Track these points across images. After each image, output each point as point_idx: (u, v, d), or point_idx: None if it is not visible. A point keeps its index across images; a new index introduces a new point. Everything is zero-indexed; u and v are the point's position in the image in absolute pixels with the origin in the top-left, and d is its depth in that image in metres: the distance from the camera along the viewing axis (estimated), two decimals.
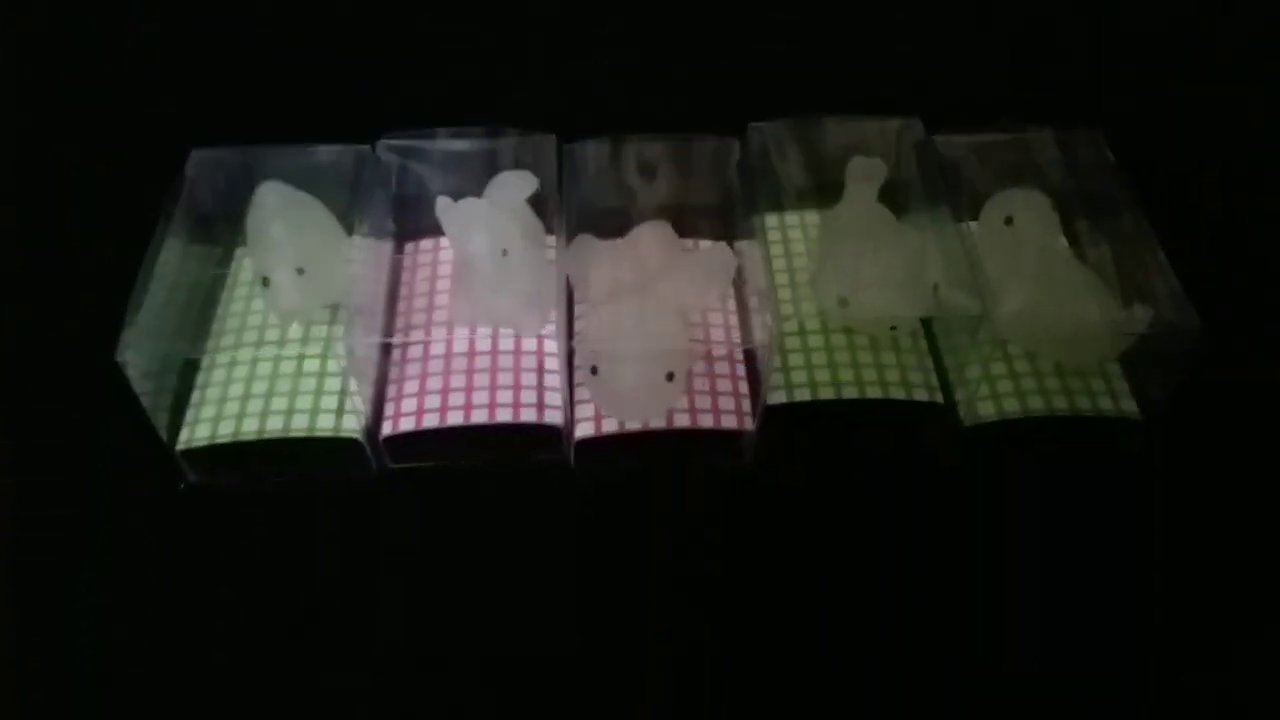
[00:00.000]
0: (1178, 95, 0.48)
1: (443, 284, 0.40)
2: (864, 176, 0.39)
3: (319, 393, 0.36)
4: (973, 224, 0.39)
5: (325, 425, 0.35)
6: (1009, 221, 0.38)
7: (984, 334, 0.34)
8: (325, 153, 0.39)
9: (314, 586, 0.33)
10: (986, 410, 0.36)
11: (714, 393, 0.36)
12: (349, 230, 0.38)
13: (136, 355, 0.33)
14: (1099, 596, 0.32)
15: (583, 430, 0.35)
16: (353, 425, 0.35)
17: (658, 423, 0.35)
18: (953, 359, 0.37)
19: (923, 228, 0.37)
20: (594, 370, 0.34)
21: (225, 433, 0.35)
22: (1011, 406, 0.36)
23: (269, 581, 0.33)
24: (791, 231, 0.41)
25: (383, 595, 0.33)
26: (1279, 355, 0.38)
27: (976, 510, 0.34)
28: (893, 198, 0.39)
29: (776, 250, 0.41)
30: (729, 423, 0.35)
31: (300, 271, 0.36)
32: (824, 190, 0.40)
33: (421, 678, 0.31)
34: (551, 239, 0.38)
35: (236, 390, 0.37)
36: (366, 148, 0.39)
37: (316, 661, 0.31)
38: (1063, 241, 0.39)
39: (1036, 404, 0.36)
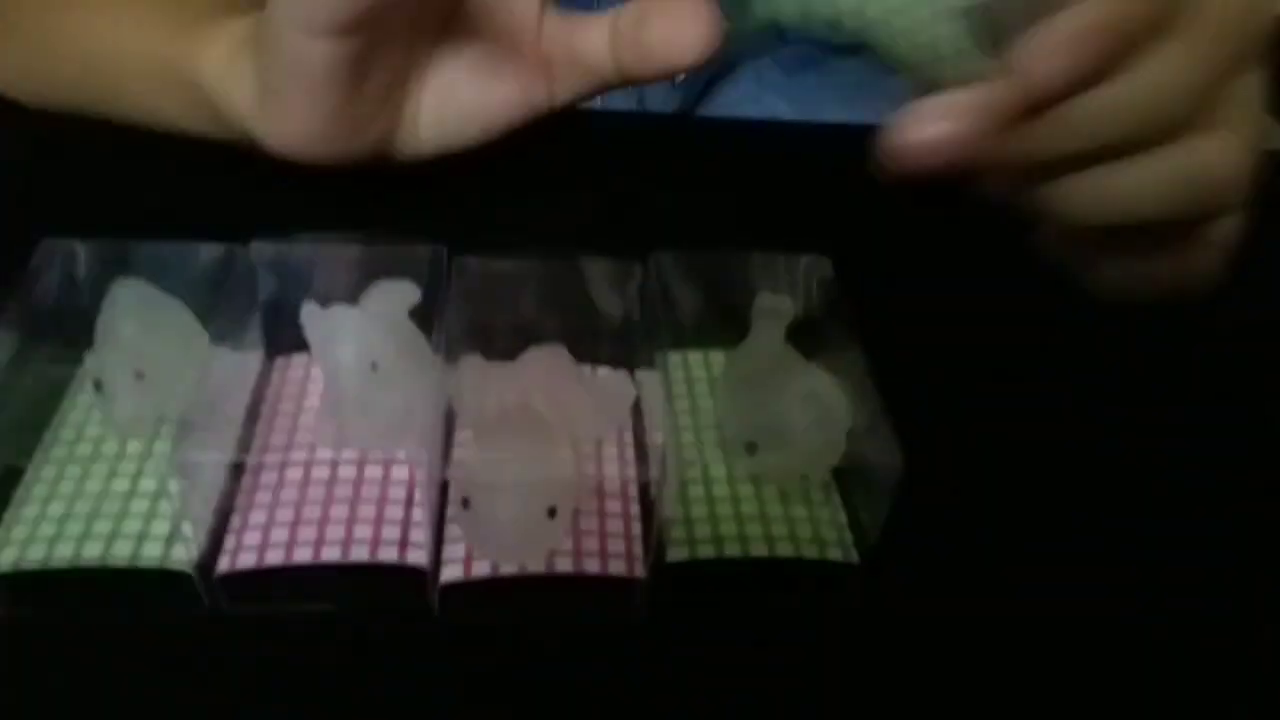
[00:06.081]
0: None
1: (312, 402, 0.36)
2: (770, 314, 0.36)
3: (151, 517, 0.32)
4: None
5: (151, 555, 0.31)
6: None
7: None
8: (193, 251, 0.36)
9: None
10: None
11: (603, 534, 0.32)
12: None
13: None
14: None
15: (450, 573, 0.31)
16: (182, 557, 0.30)
17: (536, 566, 0.31)
18: (866, 513, 0.33)
19: (834, 370, 0.35)
20: (465, 503, 0.30)
21: (34, 558, 0.31)
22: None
23: None
24: (695, 369, 0.38)
25: None
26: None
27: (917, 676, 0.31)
28: (800, 338, 0.37)
29: (679, 390, 0.38)
30: (618, 569, 0.31)
31: (140, 376, 0.32)
32: (729, 327, 0.37)
33: None
34: (436, 359, 0.35)
35: (56, 510, 0.32)
36: (239, 247, 0.36)
37: None
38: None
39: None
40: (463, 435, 0.35)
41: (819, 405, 0.34)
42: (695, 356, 0.39)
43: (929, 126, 0.29)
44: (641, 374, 0.37)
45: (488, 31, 0.40)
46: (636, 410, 0.37)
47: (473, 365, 0.36)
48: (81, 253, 0.36)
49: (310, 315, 0.33)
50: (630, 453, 0.36)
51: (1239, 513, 0.37)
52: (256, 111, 0.39)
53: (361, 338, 0.32)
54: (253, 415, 0.35)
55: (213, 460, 0.31)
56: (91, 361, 0.33)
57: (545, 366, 0.36)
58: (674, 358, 0.39)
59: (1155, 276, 0.35)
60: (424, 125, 0.41)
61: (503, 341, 0.37)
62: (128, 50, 0.44)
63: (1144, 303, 0.35)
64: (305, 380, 0.37)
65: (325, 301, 0.34)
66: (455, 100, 0.41)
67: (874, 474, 0.31)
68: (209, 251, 0.36)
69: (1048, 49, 0.28)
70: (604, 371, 0.38)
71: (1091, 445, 0.38)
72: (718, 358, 0.39)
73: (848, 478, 0.34)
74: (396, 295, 0.34)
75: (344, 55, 0.36)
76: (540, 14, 0.39)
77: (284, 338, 0.37)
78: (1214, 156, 0.31)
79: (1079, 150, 0.31)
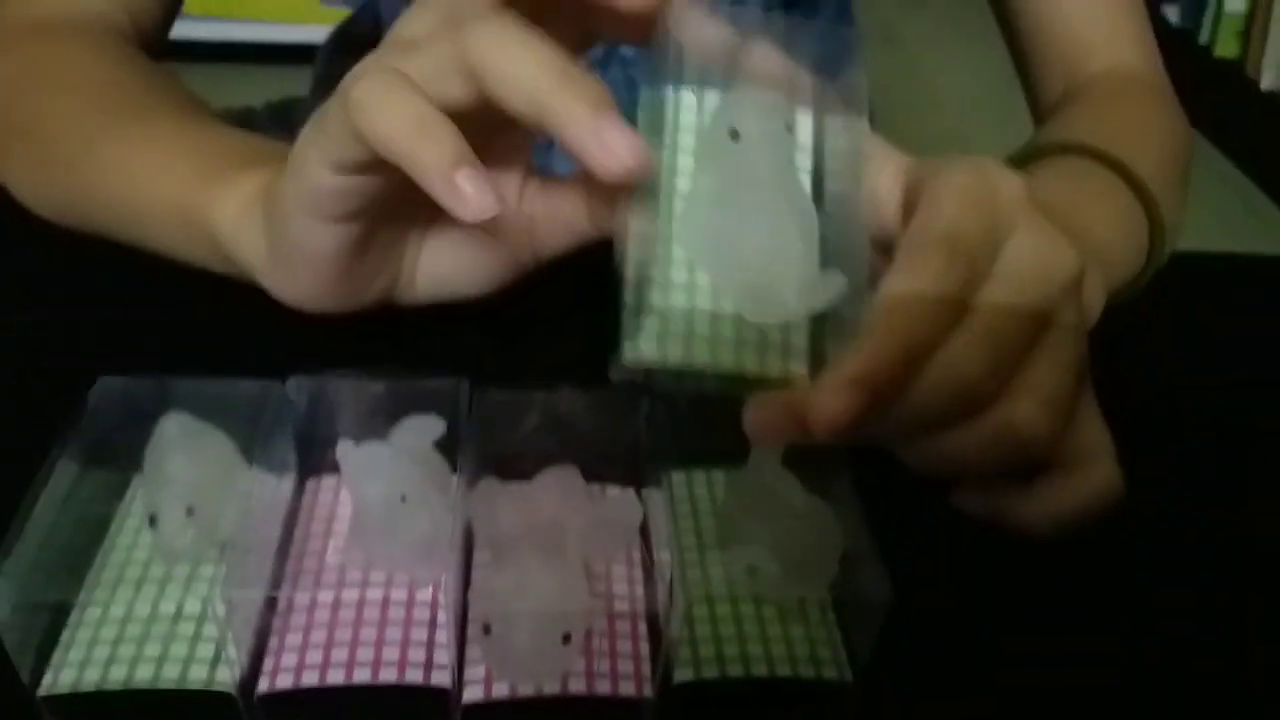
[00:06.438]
0: None
1: (341, 525, 0.39)
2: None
3: (196, 640, 0.34)
4: None
5: (198, 677, 0.33)
6: None
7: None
8: (234, 386, 0.39)
9: None
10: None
11: (613, 654, 0.35)
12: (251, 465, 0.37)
13: (3, 602, 0.31)
14: None
15: (471, 694, 0.33)
16: (226, 679, 0.33)
17: (551, 688, 0.34)
18: (858, 633, 0.36)
19: (826, 495, 0.38)
20: (486, 629, 0.33)
21: (90, 680, 0.33)
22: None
23: None
24: (698, 488, 0.41)
25: None
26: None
27: None
28: (794, 464, 0.39)
29: (684, 509, 0.40)
30: (627, 690, 0.34)
31: (190, 512, 0.35)
32: (730, 448, 0.40)
33: None
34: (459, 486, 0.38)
35: (109, 633, 0.35)
36: (276, 383, 0.39)
37: None
38: None
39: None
40: (481, 555, 0.38)
41: (814, 529, 0.36)
42: (699, 476, 0.42)
43: (771, 414, 0.34)
44: (648, 493, 0.40)
45: None
46: (644, 528, 0.39)
47: (490, 488, 0.39)
48: (133, 389, 0.39)
49: (345, 452, 0.36)
50: (638, 572, 0.38)
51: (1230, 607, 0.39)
52: (266, 268, 0.42)
53: (392, 472, 0.35)
54: (287, 536, 0.38)
55: (255, 595, 0.34)
56: (144, 494, 0.36)
57: (558, 487, 0.39)
58: (678, 477, 0.41)
59: (1066, 509, 0.37)
60: (420, 282, 0.44)
61: (518, 465, 0.39)
62: (148, 193, 0.48)
63: (1071, 539, 0.37)
64: (335, 503, 0.40)
65: (356, 434, 0.36)
66: (448, 260, 0.44)
67: (865, 597, 0.34)
68: (248, 387, 0.39)
69: (826, 396, 0.32)
70: (613, 491, 0.41)
71: (1081, 558, 0.40)
72: (719, 477, 0.42)
73: (841, 599, 0.37)
74: (424, 430, 0.37)
75: (348, 238, 0.39)
76: (524, 176, 0.42)
77: (315, 462, 0.40)
78: (1019, 417, 0.34)
79: (898, 429, 0.34)
